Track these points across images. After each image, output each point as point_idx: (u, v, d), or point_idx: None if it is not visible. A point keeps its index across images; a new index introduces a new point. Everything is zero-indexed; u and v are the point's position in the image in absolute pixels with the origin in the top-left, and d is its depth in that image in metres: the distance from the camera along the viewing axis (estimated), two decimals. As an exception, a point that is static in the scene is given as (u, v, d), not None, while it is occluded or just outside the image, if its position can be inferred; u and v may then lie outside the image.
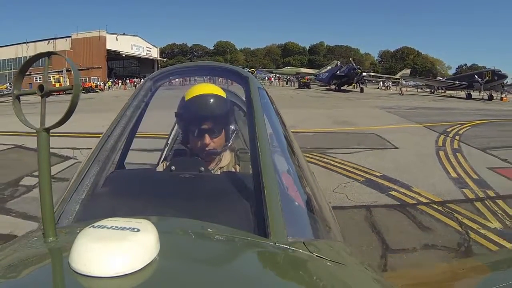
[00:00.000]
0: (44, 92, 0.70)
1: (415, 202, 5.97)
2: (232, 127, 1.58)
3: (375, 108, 22.67)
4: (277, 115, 1.45)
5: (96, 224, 0.63)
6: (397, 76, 64.64)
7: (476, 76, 42.45)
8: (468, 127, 15.26)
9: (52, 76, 40.73)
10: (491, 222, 5.26)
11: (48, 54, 0.75)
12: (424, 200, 6.02)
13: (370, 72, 68.54)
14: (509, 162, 9.00)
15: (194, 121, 1.51)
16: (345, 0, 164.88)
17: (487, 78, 40.99)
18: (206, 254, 0.71)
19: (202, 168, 1.22)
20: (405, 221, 5.28)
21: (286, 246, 0.77)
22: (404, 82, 57.67)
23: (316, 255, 0.77)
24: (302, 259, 0.76)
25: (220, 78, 1.72)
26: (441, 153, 9.86)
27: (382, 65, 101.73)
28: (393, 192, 6.42)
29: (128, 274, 0.55)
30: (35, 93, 0.71)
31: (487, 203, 6.01)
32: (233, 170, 1.57)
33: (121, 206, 1.01)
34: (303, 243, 0.81)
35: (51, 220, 0.73)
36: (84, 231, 0.61)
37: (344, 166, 8.07)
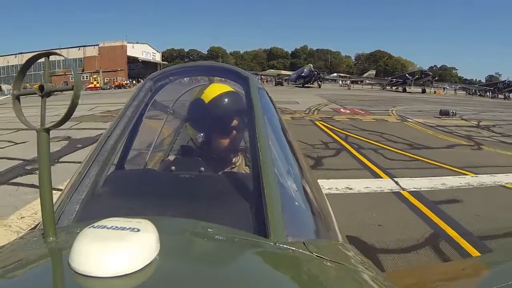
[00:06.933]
0: (44, 92, 0.70)
1: (291, 112, 18.63)
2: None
3: (314, 95, 35.76)
4: (277, 115, 1.46)
5: (96, 224, 0.63)
6: (364, 76, 78.54)
7: (407, 75, 56.85)
8: (356, 100, 28.58)
9: (91, 76, 53.17)
10: (304, 113, 18.43)
11: (48, 55, 0.74)
12: (292, 112, 18.69)
13: (340, 73, 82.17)
14: (344, 107, 22.01)
15: (222, 121, 1.50)
16: (329, 7, 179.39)
17: (417, 76, 55.46)
18: (206, 254, 0.72)
19: (202, 168, 1.21)
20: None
21: (286, 246, 0.77)
22: (368, 81, 71.70)
23: (316, 255, 0.77)
24: (302, 259, 0.76)
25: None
26: (317, 105, 23.05)
27: (357, 66, 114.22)
28: (283, 110, 19.28)
29: (128, 274, 0.56)
30: (35, 93, 0.71)
31: (312, 111, 19.17)
32: (244, 171, 1.56)
33: (121, 206, 1.01)
34: (303, 243, 0.81)
35: (51, 220, 0.73)
36: (84, 231, 0.61)
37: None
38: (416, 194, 5.57)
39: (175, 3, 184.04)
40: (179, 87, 1.92)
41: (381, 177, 6.63)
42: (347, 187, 5.87)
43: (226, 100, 1.49)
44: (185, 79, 1.84)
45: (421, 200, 5.29)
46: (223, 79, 1.56)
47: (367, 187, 5.96)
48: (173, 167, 1.25)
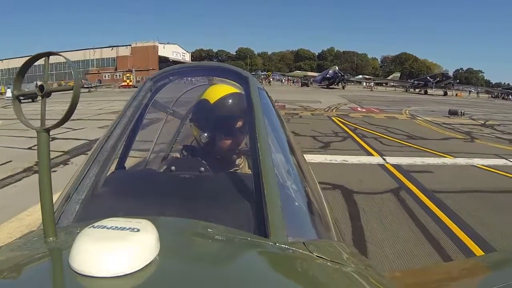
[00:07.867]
0: (44, 92, 0.70)
1: (312, 109, 20.70)
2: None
3: (336, 95, 37.19)
4: (277, 115, 1.47)
5: (96, 224, 0.63)
6: (389, 78, 78.94)
7: (428, 77, 57.42)
8: (375, 101, 29.94)
9: (124, 74, 56.64)
10: (324, 110, 20.21)
11: (48, 54, 0.74)
12: (313, 109, 20.68)
13: (365, 75, 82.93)
14: (362, 106, 23.62)
15: (227, 121, 1.51)
16: (356, 9, 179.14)
17: (438, 78, 56.00)
18: (206, 254, 0.73)
19: (202, 168, 1.21)
20: (302, 109, 20.35)
21: (286, 246, 0.78)
22: (391, 84, 72.24)
23: (316, 255, 0.77)
24: (302, 259, 0.76)
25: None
26: (337, 104, 24.76)
27: (383, 69, 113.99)
28: (305, 107, 21.47)
29: (128, 274, 0.56)
30: (36, 93, 0.71)
31: (331, 109, 20.93)
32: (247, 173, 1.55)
33: (121, 206, 1.01)
34: (303, 243, 0.81)
35: (51, 220, 0.73)
36: (84, 231, 0.61)
37: (298, 104, 23.14)
38: (396, 166, 7.36)
39: (205, 5, 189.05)
40: (179, 87, 1.98)
41: (373, 155, 8.46)
42: (344, 160, 7.78)
43: (231, 101, 1.51)
44: (185, 79, 1.87)
45: (399, 170, 7.09)
46: (223, 79, 1.58)
47: (359, 160, 7.84)
48: (173, 167, 1.25)
